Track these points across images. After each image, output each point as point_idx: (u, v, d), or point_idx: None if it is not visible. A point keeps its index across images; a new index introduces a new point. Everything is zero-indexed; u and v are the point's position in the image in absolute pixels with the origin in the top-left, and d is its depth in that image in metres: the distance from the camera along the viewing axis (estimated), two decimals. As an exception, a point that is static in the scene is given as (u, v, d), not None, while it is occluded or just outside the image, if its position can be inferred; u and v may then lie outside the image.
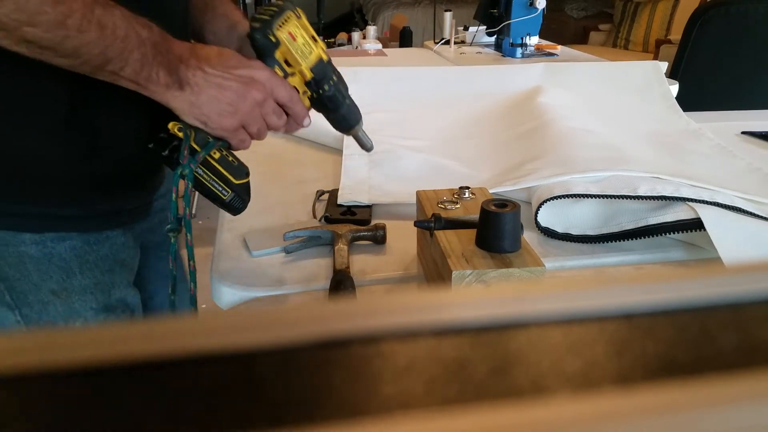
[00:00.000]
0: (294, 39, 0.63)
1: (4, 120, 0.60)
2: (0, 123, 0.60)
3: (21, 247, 0.64)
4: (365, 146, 0.74)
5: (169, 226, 0.61)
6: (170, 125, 0.60)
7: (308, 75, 0.65)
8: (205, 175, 0.63)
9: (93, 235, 0.68)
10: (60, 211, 0.65)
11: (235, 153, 0.67)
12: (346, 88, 0.71)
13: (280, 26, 0.62)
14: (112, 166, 0.66)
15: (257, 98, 0.61)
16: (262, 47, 0.63)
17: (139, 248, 0.77)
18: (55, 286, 0.66)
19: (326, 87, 0.67)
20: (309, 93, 0.67)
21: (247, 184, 0.67)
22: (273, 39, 0.62)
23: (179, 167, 0.60)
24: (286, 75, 0.64)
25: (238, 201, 0.66)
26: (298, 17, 0.65)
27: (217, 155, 0.63)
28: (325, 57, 0.67)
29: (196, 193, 0.67)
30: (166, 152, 0.60)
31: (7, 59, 0.53)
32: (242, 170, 0.67)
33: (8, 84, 0.59)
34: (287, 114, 0.65)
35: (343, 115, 0.71)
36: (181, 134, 0.60)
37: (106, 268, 0.70)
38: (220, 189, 0.64)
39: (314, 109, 0.70)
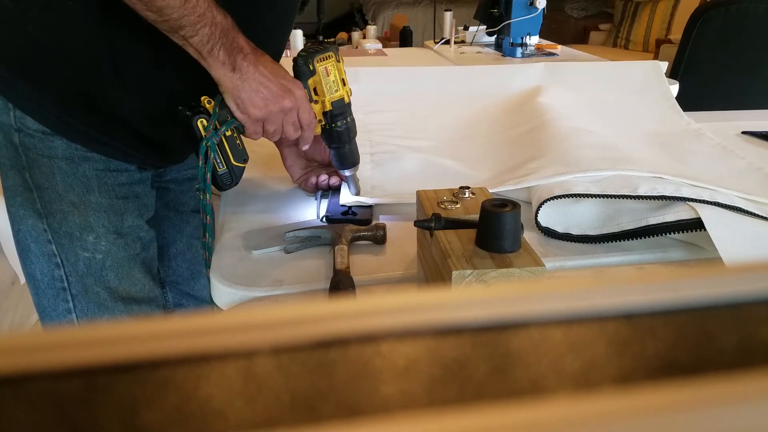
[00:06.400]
0: (327, 74, 0.75)
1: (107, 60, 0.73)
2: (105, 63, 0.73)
3: (54, 159, 0.77)
4: (351, 189, 0.81)
5: (198, 186, 0.74)
6: (202, 98, 0.70)
7: (328, 107, 0.76)
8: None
9: (114, 163, 0.80)
10: (99, 136, 0.77)
11: (244, 140, 0.76)
12: (355, 134, 0.80)
13: (320, 60, 0.75)
14: (149, 124, 0.79)
15: (286, 106, 0.72)
16: (300, 72, 0.75)
17: (155, 198, 0.91)
18: (75, 198, 0.78)
19: (339, 123, 0.78)
20: (323, 123, 0.78)
21: (242, 169, 0.75)
22: (311, 68, 0.74)
23: (205, 139, 0.70)
24: (311, 101, 0.75)
25: (227, 178, 0.74)
26: (338, 61, 0.76)
27: (228, 134, 0.72)
28: (347, 99, 0.77)
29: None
30: (189, 112, 0.70)
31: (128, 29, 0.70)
32: (243, 155, 0.75)
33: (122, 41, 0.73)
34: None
35: (344, 154, 0.79)
36: (209, 107, 0.70)
37: (121, 194, 0.82)
38: (219, 162, 0.72)
39: (323, 138, 0.80)
